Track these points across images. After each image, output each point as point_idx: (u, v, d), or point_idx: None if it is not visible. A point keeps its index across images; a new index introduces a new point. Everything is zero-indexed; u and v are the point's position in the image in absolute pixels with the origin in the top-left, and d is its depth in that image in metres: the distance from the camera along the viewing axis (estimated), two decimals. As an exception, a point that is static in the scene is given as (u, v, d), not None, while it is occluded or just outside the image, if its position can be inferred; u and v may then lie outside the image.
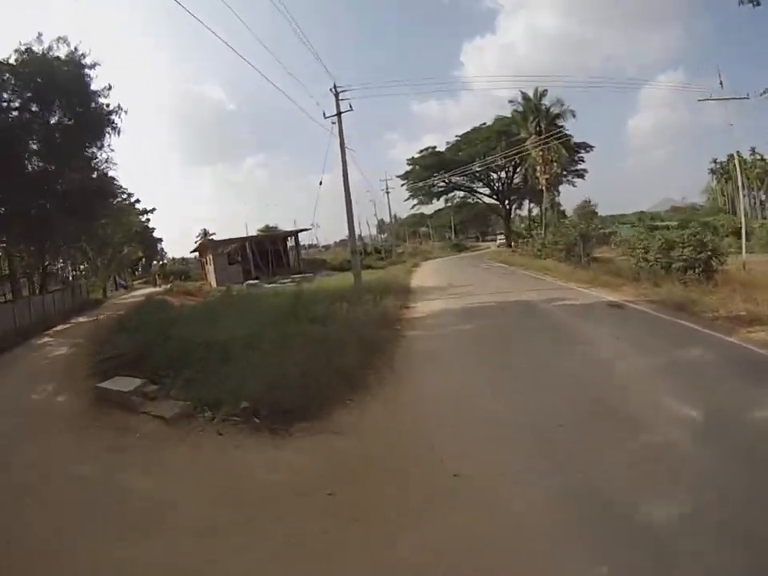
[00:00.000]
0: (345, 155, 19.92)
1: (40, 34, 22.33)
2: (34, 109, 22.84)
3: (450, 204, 71.22)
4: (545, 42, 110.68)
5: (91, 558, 4.60)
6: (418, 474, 5.63)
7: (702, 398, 6.80)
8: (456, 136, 61.23)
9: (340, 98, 19.77)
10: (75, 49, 23.14)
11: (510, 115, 49.88)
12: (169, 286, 38.00)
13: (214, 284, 38.86)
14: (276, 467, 6.15)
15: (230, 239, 46.17)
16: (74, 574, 4.50)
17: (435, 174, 58.76)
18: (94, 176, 25.90)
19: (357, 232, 22.10)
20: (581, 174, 55.71)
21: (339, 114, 19.87)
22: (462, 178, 59.77)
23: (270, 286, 30.63)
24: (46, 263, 29.46)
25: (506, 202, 62.02)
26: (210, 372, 9.76)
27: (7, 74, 21.81)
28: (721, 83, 26.07)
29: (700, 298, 13.50)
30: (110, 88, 24.34)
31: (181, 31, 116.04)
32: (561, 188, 48.28)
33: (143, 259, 62.80)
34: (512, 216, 65.89)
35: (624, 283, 17.94)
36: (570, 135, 45.09)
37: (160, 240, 67.86)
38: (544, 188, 42.31)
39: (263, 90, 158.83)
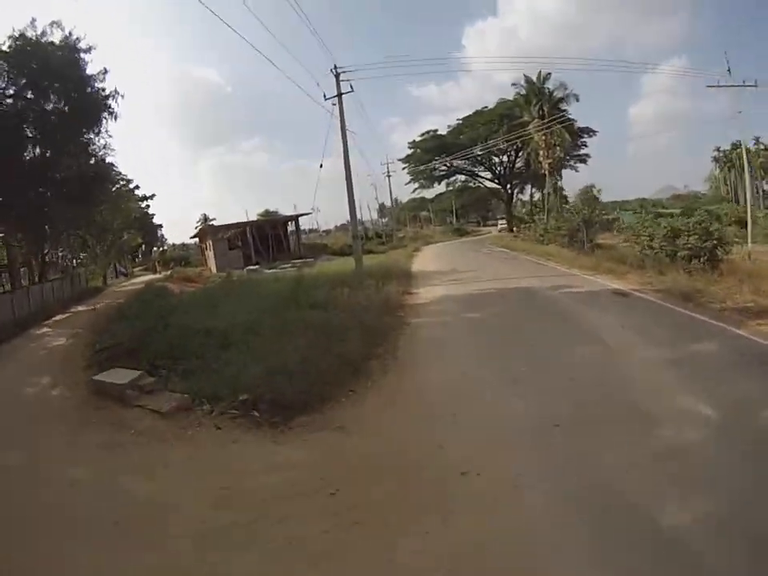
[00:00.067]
0: (345, 137, 19.60)
1: (33, 20, 21.94)
2: (28, 96, 22.42)
3: (451, 188, 70.70)
4: (546, 25, 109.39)
5: (91, 569, 4.44)
6: (422, 473, 5.49)
7: (720, 397, 6.58)
8: (457, 119, 60.67)
9: (341, 78, 19.36)
10: (69, 33, 22.72)
11: (512, 99, 49.38)
12: (169, 272, 37.75)
13: (214, 270, 38.63)
14: (276, 465, 5.99)
15: (230, 224, 45.77)
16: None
17: (436, 158, 58.25)
18: (92, 162, 25.51)
19: (357, 216, 21.76)
20: (583, 159, 55.26)
21: (340, 95, 19.48)
22: (463, 161, 59.09)
23: (271, 271, 30.46)
24: (45, 252, 29.22)
25: (508, 186, 61.54)
26: (209, 360, 9.65)
27: (1, 61, 21.38)
28: (729, 70, 25.45)
29: (706, 287, 13.31)
30: (105, 72, 23.93)
31: (176, 14, 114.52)
32: (562, 173, 47.79)
33: (143, 246, 62.38)
34: (513, 201, 65.38)
35: (628, 271, 17.71)
36: (574, 119, 44.65)
37: (160, 226, 67.42)
38: (547, 172, 41.83)
39: (261, 74, 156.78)
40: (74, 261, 41.66)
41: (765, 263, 17.53)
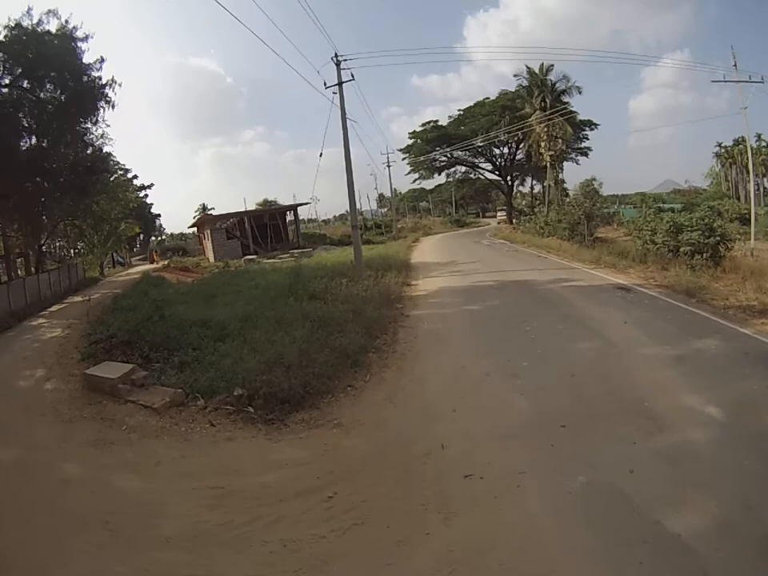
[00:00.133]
0: (346, 125, 19.23)
1: (30, 9, 21.46)
2: (24, 85, 22.01)
3: (451, 179, 70.32)
4: (547, 17, 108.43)
5: (81, 570, 4.30)
6: (423, 472, 5.36)
7: (727, 397, 6.46)
8: (459, 110, 60.03)
9: (341, 67, 19.04)
10: (66, 21, 22.26)
11: (514, 90, 48.97)
12: (166, 262, 37.49)
13: (212, 259, 38.44)
14: (271, 463, 5.84)
15: (228, 214, 45.51)
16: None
17: (437, 148, 57.76)
18: (89, 152, 25.16)
19: (357, 206, 21.51)
20: (585, 152, 54.81)
21: (340, 83, 19.14)
22: (464, 152, 58.64)
23: (269, 261, 30.26)
24: (42, 242, 28.95)
25: (508, 178, 61.06)
26: (204, 352, 9.51)
27: (-4, 51, 21.01)
28: (735, 65, 25.00)
29: (709, 284, 13.20)
30: (102, 61, 23.51)
31: (175, 2, 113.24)
32: (563, 166, 47.42)
33: (141, 235, 61.84)
34: (513, 193, 65.03)
35: (630, 265, 17.53)
36: (576, 112, 44.28)
37: (158, 216, 67.06)
38: (548, 164, 41.52)
39: (262, 65, 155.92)
40: (71, 251, 41.35)
41: (767, 260, 17.32)
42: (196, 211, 73.25)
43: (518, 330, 10.45)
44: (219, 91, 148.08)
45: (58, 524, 4.96)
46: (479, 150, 58.31)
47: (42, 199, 23.65)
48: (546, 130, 40.16)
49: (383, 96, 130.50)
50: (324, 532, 4.46)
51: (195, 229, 56.60)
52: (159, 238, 73.10)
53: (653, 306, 11.84)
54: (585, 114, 49.64)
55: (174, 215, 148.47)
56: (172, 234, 77.83)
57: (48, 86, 22.51)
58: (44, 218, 26.16)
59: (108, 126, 25.09)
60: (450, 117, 60.00)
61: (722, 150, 63.89)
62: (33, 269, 27.01)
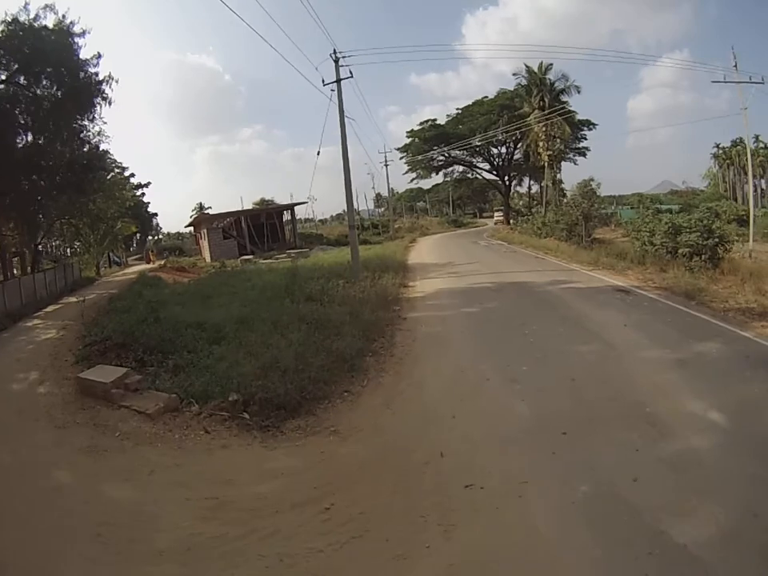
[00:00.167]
0: (344, 123, 19.07)
1: (27, 3, 21.21)
2: (21, 81, 21.72)
3: (448, 179, 70.18)
4: (546, 17, 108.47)
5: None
6: (422, 481, 5.24)
7: (729, 401, 6.39)
8: (457, 109, 59.96)
9: (340, 64, 18.88)
10: (63, 17, 21.93)
11: (512, 89, 48.90)
12: (163, 262, 37.27)
13: (208, 259, 38.19)
14: (267, 473, 5.71)
15: (225, 213, 45.22)
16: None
17: (435, 148, 57.66)
18: (86, 149, 24.87)
19: (354, 206, 21.31)
20: (583, 152, 54.76)
21: (339, 80, 18.97)
22: (461, 152, 58.59)
23: (266, 261, 30.11)
24: (38, 241, 28.74)
25: (506, 177, 61.02)
26: (199, 355, 9.39)
27: (-7, 47, 20.76)
28: (735, 65, 24.86)
29: (708, 286, 13.13)
30: (99, 57, 23.24)
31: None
32: (561, 166, 47.34)
33: (138, 235, 61.55)
34: (511, 193, 64.99)
35: (628, 267, 17.46)
36: (574, 111, 44.23)
37: (155, 215, 66.81)
38: (546, 164, 41.42)
39: (261, 63, 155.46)
40: (68, 250, 41.04)
41: (766, 262, 17.27)
42: (193, 210, 72.90)
43: (517, 333, 10.34)
44: (217, 89, 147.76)
45: (49, 535, 4.83)
46: (477, 149, 58.33)
47: (39, 197, 23.32)
48: (544, 129, 40.07)
49: (381, 94, 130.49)
50: (321, 546, 4.34)
51: (192, 228, 56.31)
52: (156, 238, 72.81)
53: (652, 309, 11.75)
54: (583, 113, 49.70)
55: (171, 214, 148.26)
56: (169, 234, 77.59)
57: (44, 82, 22.15)
58: (40, 216, 25.85)
59: (105, 123, 24.68)
60: (448, 116, 60.08)
61: (720, 151, 64.01)
62: (29, 268, 26.82)
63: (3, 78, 21.35)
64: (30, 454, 6.77)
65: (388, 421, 6.85)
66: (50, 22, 21.64)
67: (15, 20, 20.87)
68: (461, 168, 65.51)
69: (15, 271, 27.57)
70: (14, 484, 5.95)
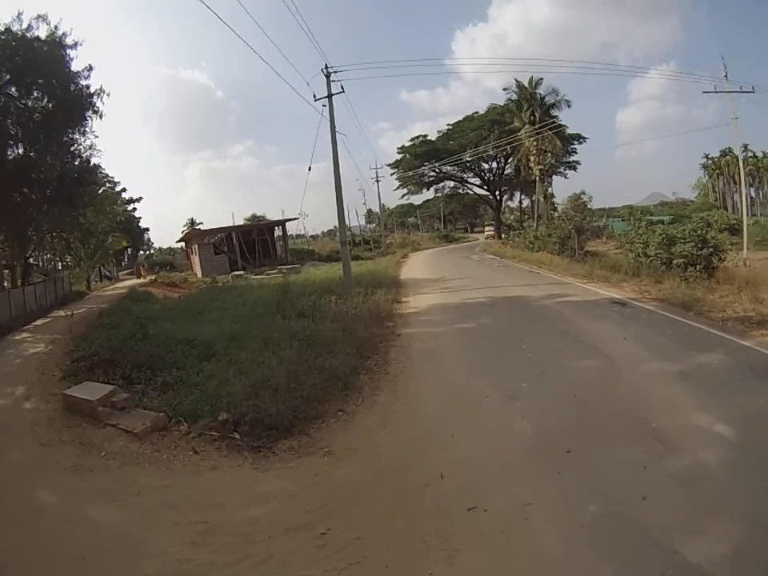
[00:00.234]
0: (335, 138, 19.01)
1: (20, 13, 21.14)
2: (12, 92, 21.57)
3: (439, 194, 70.50)
4: (535, 32, 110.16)
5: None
6: (422, 504, 4.99)
7: (735, 414, 6.22)
8: (447, 124, 60.44)
9: (331, 79, 18.86)
10: (56, 27, 21.88)
11: (503, 104, 49.38)
12: (153, 277, 36.97)
13: (199, 275, 37.88)
14: (259, 496, 5.43)
15: (216, 229, 44.95)
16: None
17: (426, 163, 57.90)
18: (76, 162, 24.66)
19: (345, 222, 21.17)
20: (573, 166, 55.20)
21: (330, 95, 18.94)
22: (452, 167, 58.97)
23: (257, 277, 29.87)
24: (29, 254, 28.43)
25: (497, 192, 61.33)
26: (189, 373, 9.13)
27: (-16, 57, 20.61)
28: (726, 75, 25.04)
29: (704, 296, 13.07)
30: (90, 69, 23.16)
31: (166, 15, 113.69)
32: (552, 180, 47.66)
33: (129, 249, 61.20)
34: (502, 207, 65.27)
35: (623, 279, 17.41)
36: (565, 125, 44.66)
37: (146, 230, 66.56)
38: (537, 178, 41.68)
39: (252, 80, 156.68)
40: (58, 264, 40.61)
41: (760, 270, 17.28)
42: (184, 226, 72.71)
43: (514, 348, 10.14)
44: (210, 104, 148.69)
45: (32, 558, 4.57)
46: (468, 164, 58.71)
47: (29, 210, 23.02)
48: (535, 143, 40.40)
49: (372, 111, 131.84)
50: (316, 573, 4.09)
51: (183, 244, 56.01)
52: (147, 253, 72.50)
53: (650, 321, 11.63)
54: (573, 127, 50.20)
55: (163, 229, 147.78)
56: (160, 249, 77.39)
57: (36, 94, 22.05)
58: (31, 229, 25.54)
59: (96, 137, 24.56)
60: (438, 131, 60.60)
61: (709, 162, 64.82)
62: (19, 281, 26.46)
63: (-6, 89, 21.18)
64: (14, 472, 6.50)
65: (384, 441, 6.60)
66: (42, 32, 21.61)
67: (8, 29, 20.76)
68: (452, 183, 66.02)
69: (5, 284, 27.15)
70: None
